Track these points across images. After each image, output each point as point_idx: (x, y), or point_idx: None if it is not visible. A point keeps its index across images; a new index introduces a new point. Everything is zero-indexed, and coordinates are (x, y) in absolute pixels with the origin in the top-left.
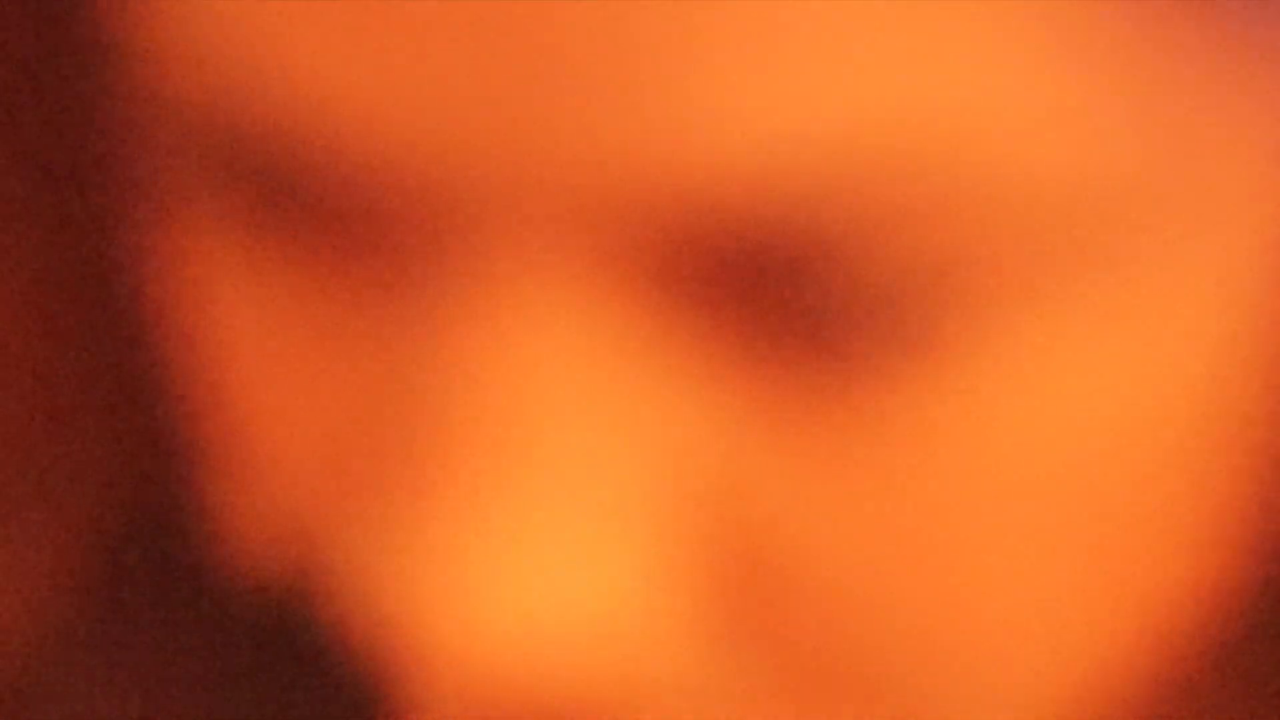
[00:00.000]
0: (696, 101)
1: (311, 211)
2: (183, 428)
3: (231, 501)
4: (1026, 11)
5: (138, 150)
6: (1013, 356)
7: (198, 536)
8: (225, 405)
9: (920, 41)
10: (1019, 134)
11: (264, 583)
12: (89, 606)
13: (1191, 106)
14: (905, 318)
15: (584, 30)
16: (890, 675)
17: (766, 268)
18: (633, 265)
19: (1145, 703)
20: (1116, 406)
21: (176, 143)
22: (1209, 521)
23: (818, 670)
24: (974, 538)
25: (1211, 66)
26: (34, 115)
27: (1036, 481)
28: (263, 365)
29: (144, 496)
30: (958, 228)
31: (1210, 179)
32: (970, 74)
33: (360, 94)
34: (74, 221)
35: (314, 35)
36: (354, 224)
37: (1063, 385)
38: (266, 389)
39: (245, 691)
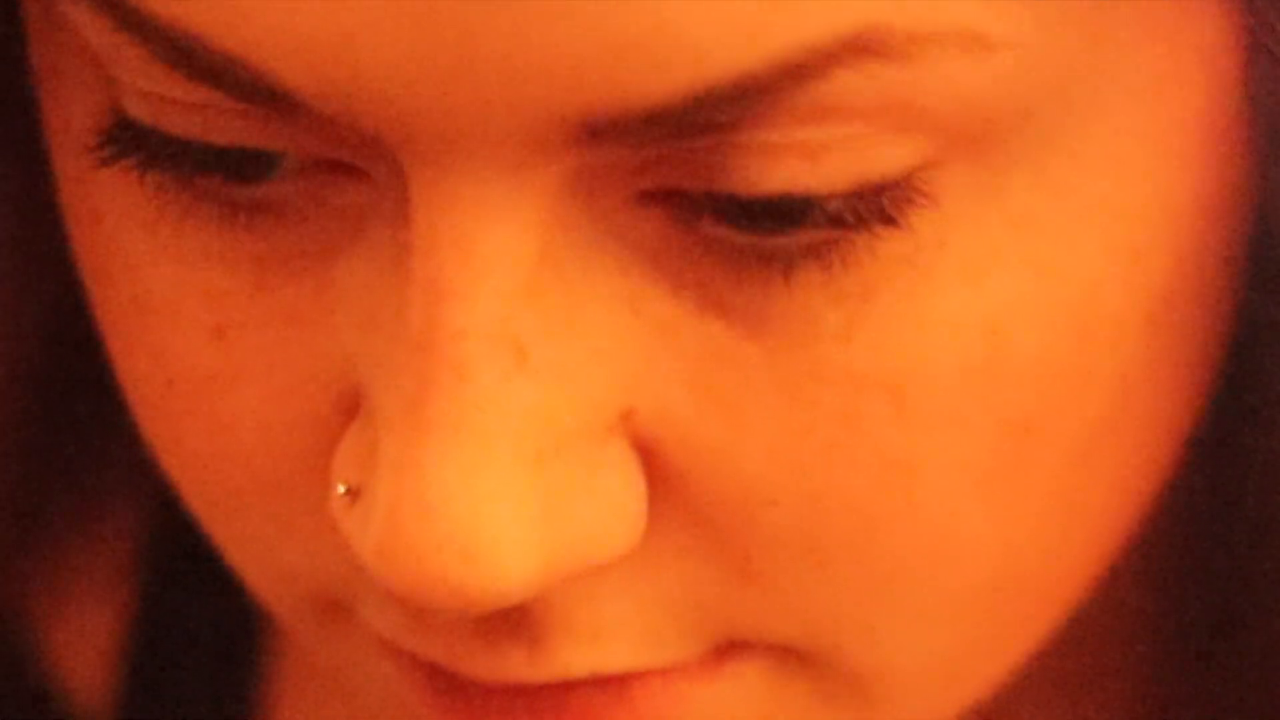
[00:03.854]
0: None
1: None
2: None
3: None
4: None
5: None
6: (942, 247)
7: None
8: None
9: None
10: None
11: None
12: None
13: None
14: (835, 211)
15: None
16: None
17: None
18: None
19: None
20: (1046, 302)
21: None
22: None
23: (732, 571)
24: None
25: None
26: None
27: (952, 384)
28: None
29: None
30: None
31: (1118, 77)
32: None
33: None
34: None
35: None
36: (296, 156)
37: (993, 291)
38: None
39: None
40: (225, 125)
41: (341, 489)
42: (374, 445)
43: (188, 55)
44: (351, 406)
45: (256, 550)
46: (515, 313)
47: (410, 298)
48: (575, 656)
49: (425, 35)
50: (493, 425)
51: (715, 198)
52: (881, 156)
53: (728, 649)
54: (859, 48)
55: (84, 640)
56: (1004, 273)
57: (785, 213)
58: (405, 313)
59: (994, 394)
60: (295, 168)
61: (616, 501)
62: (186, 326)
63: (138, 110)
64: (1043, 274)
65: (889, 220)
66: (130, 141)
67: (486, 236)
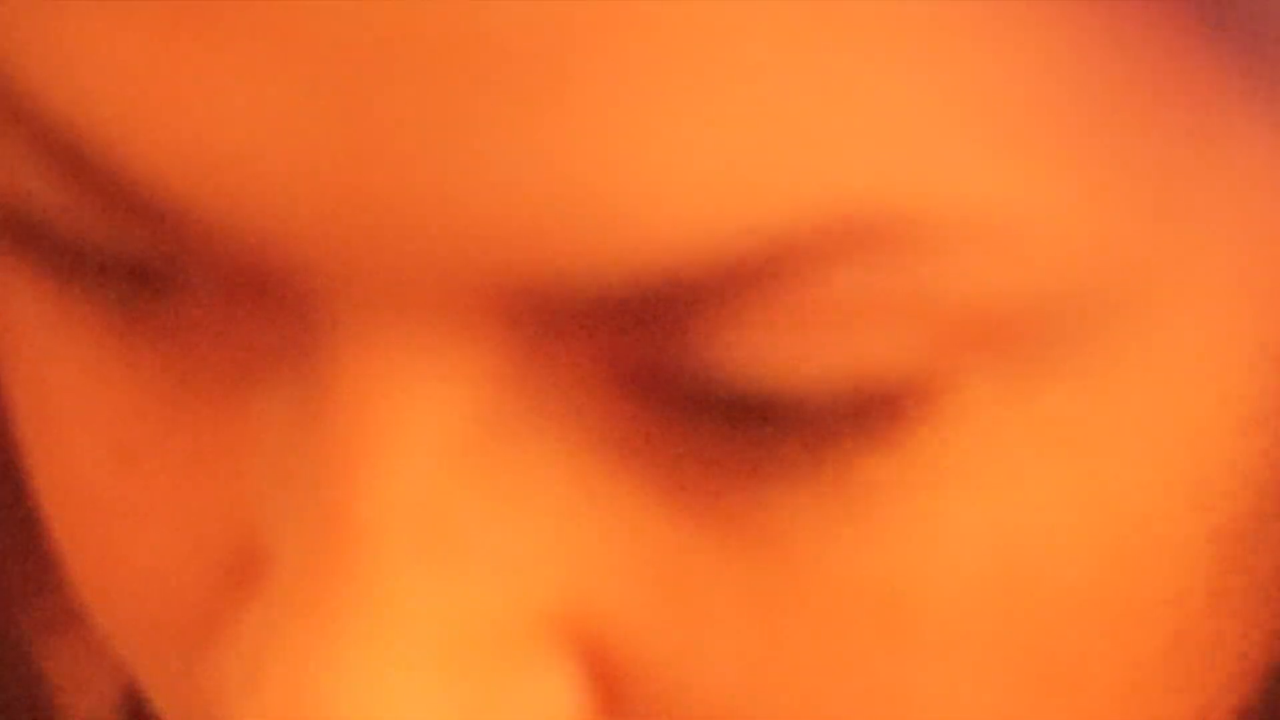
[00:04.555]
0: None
1: (135, 271)
2: None
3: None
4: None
5: None
6: (962, 459)
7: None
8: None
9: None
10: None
11: None
12: None
13: (1162, 194)
14: (825, 415)
15: (443, 78)
16: None
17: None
18: (505, 327)
19: None
20: (1084, 527)
21: None
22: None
23: None
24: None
25: (1184, 151)
26: None
27: (974, 614)
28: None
29: None
30: (885, 316)
31: (1184, 270)
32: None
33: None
34: None
35: (140, 52)
36: (200, 285)
37: (1014, 511)
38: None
39: None
40: (117, 232)
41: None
42: (268, 617)
43: (75, 158)
44: (249, 567)
45: (152, 680)
46: (443, 490)
47: (323, 460)
48: None
49: (340, 169)
50: (406, 622)
51: (685, 388)
52: (882, 358)
53: None
54: (859, 237)
55: (85, 671)
56: (1030, 492)
57: (766, 413)
58: (316, 476)
59: (1013, 627)
60: (201, 287)
61: (551, 716)
62: (91, 443)
63: (20, 203)
64: (1081, 495)
65: (889, 427)
66: (18, 234)
67: (414, 400)
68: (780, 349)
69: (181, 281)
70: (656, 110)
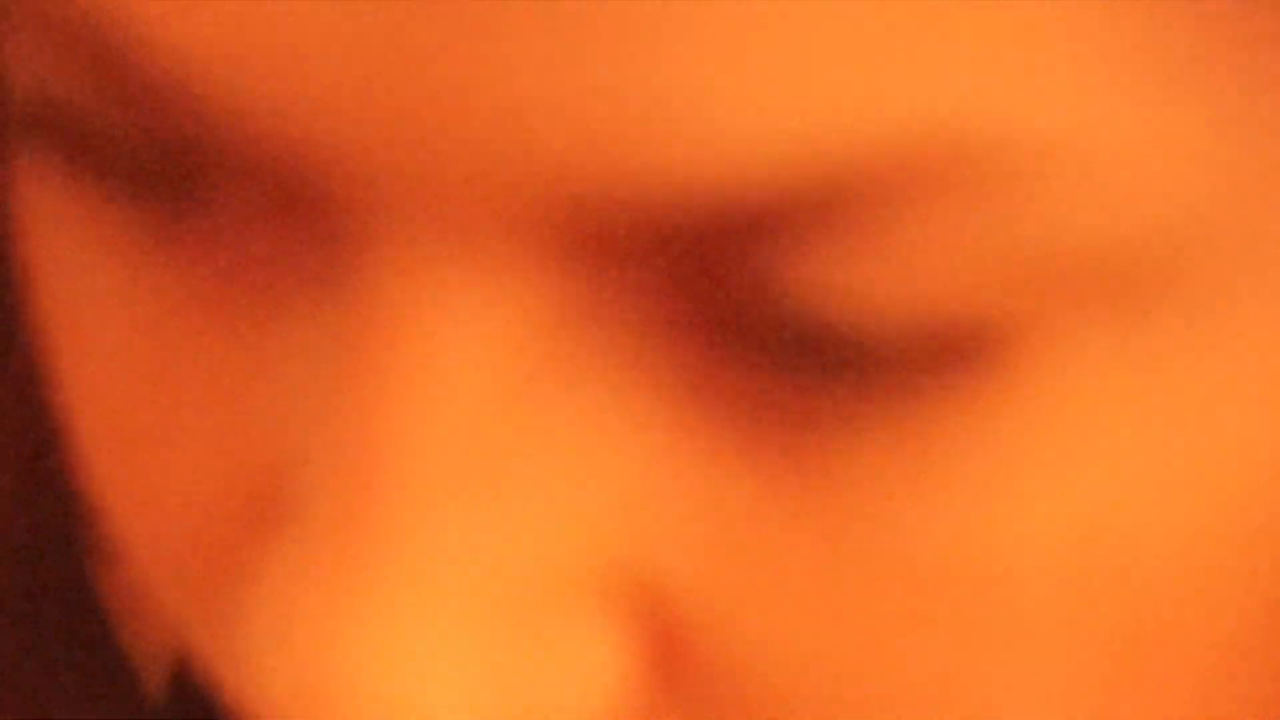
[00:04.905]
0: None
1: (180, 178)
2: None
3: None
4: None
5: None
6: (1051, 415)
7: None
8: (68, 414)
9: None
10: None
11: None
12: None
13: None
14: (902, 362)
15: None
16: None
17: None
18: (565, 249)
19: None
20: (1186, 495)
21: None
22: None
23: None
24: (973, 657)
25: None
26: None
27: (1059, 583)
28: (114, 368)
29: None
30: (988, 243)
31: None
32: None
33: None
34: None
35: None
36: (234, 195)
37: (1104, 475)
38: (119, 397)
39: None
40: (152, 137)
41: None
42: (296, 562)
43: (112, 56)
44: (279, 500)
45: (182, 614)
46: (488, 428)
47: (358, 389)
48: None
49: (391, 67)
50: (443, 571)
51: (753, 326)
52: (963, 299)
53: None
54: (941, 162)
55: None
56: (1122, 456)
57: (845, 355)
58: (350, 407)
59: (1097, 600)
60: (236, 201)
61: (596, 677)
62: (120, 362)
63: (54, 106)
64: (1178, 462)
65: (971, 378)
66: (53, 139)
67: (460, 327)
68: (854, 284)
69: (217, 196)
70: (731, 21)
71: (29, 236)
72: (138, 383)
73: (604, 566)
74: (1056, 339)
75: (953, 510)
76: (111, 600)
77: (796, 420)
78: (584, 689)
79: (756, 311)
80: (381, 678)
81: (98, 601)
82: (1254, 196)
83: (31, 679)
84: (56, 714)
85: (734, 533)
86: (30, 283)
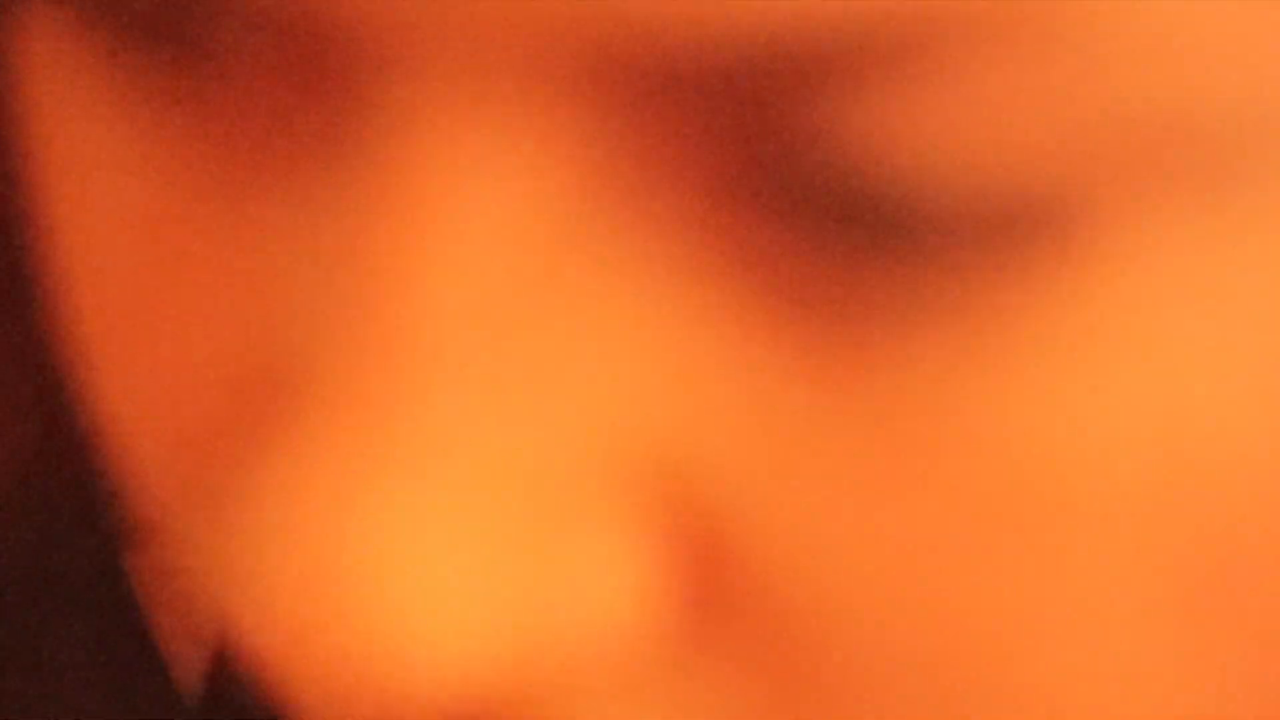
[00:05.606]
0: None
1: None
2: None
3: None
4: None
5: None
6: (1128, 303)
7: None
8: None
9: None
10: None
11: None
12: None
13: None
14: (961, 238)
15: None
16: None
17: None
18: (595, 113)
19: None
20: (1256, 407)
21: None
22: None
23: (795, 692)
24: (1019, 572)
25: None
26: None
27: (1135, 491)
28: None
29: None
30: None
31: None
32: None
33: None
34: None
35: None
36: (242, 50)
37: (1194, 358)
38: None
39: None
40: None
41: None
42: (297, 454)
43: None
44: (285, 386)
45: (179, 516)
46: (513, 299)
47: (370, 254)
48: None
49: None
50: (458, 450)
51: (800, 188)
52: (1045, 169)
53: None
54: (1027, 10)
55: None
56: (1221, 347)
57: (903, 226)
58: (359, 280)
59: (1190, 505)
60: (244, 59)
61: (629, 583)
62: (121, 234)
63: None
64: (1265, 362)
65: (1048, 263)
66: None
67: (485, 186)
68: (917, 143)
69: (223, 52)
70: None
71: (31, 111)
72: (140, 253)
73: (634, 462)
74: (1133, 219)
75: (1019, 406)
76: (144, 587)
77: (846, 301)
78: (609, 598)
79: (810, 170)
80: (387, 577)
81: (127, 592)
82: None
83: (57, 674)
84: (85, 711)
85: (778, 430)
86: (33, 167)
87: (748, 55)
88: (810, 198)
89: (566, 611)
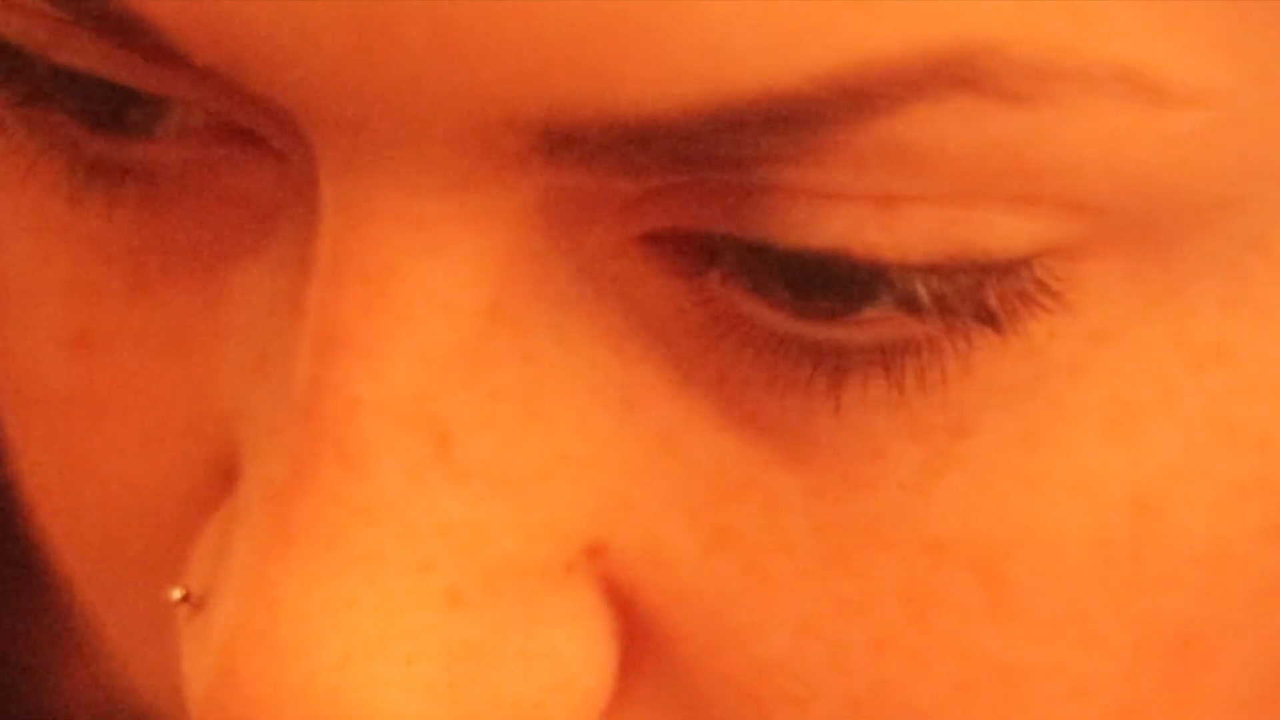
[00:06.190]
0: None
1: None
2: None
3: None
4: None
5: None
6: (1068, 384)
7: None
8: None
9: None
10: None
11: None
12: None
13: None
14: (909, 303)
15: None
16: None
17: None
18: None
19: None
20: (1217, 471)
21: None
22: None
23: None
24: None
25: None
26: None
27: (1083, 577)
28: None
29: None
30: None
31: None
32: None
33: None
34: None
35: None
36: (184, 128)
37: (1142, 439)
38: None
39: None
40: (87, 46)
41: (177, 594)
42: (229, 540)
43: None
44: (229, 473)
45: (117, 623)
46: (442, 386)
47: (300, 341)
48: None
49: None
50: (387, 542)
51: (745, 251)
52: (985, 229)
53: None
54: (950, 76)
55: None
56: (1172, 423)
57: (842, 284)
58: (291, 361)
59: (1141, 593)
60: (183, 125)
61: (567, 672)
62: (45, 328)
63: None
64: (1234, 429)
65: (993, 323)
66: None
67: (412, 270)
68: (858, 197)
69: (161, 129)
70: None
71: None
72: (70, 346)
73: (572, 545)
74: (1085, 285)
75: (967, 481)
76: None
77: (790, 372)
78: (561, 691)
79: (742, 223)
80: (313, 670)
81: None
82: None
83: None
84: None
85: (719, 504)
86: None
87: (670, 132)
88: (752, 271)
89: (518, 696)
